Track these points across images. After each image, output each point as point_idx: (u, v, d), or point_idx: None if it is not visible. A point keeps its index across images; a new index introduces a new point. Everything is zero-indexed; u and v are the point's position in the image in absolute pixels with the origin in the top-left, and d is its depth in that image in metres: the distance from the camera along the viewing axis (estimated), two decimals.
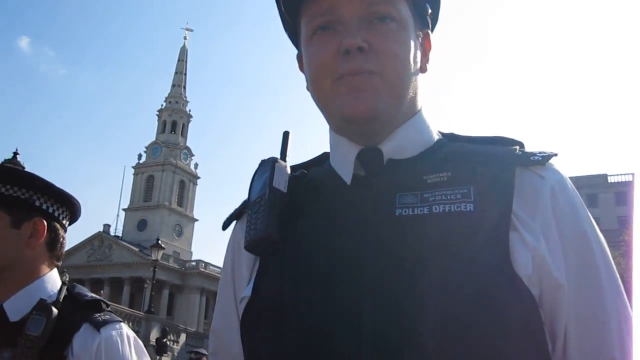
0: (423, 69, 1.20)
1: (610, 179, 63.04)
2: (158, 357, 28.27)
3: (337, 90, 1.10)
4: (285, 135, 1.23)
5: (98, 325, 1.85)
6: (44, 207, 1.98)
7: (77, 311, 1.87)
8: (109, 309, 1.96)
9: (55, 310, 1.81)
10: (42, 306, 1.82)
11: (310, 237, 1.11)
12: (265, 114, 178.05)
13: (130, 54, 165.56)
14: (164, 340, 29.29)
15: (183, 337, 37.83)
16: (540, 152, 1.12)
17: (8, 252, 1.90)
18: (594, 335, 1.04)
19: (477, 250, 1.00)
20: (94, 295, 2.00)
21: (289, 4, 1.18)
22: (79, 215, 2.14)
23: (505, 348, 0.96)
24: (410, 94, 1.15)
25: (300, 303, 1.05)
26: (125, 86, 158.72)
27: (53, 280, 1.97)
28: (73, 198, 2.08)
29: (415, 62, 1.15)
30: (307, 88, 1.21)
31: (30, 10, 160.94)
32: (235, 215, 1.28)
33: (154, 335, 32.23)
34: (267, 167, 1.17)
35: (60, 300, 1.87)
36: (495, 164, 1.10)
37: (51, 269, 1.99)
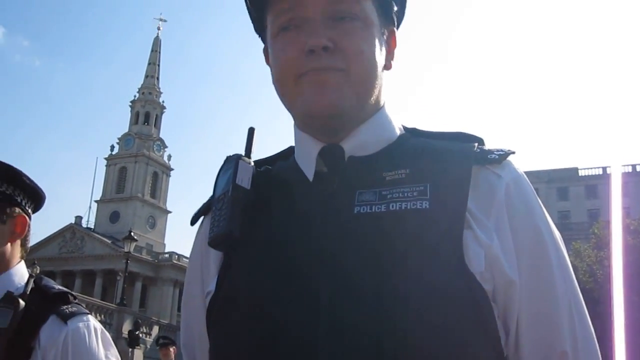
0: (388, 67, 1.21)
1: (581, 173, 63.90)
2: (130, 350, 28.14)
3: (301, 87, 1.12)
4: (251, 131, 1.24)
5: (65, 317, 1.84)
6: (22, 202, 1.98)
7: (44, 303, 1.87)
8: (77, 301, 1.95)
9: (22, 303, 1.81)
10: (9, 298, 1.82)
11: (272, 233, 1.12)
12: (240, 106, 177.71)
13: (104, 45, 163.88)
14: (137, 332, 29.10)
15: (156, 329, 37.69)
16: (497, 150, 1.14)
17: None
18: (546, 329, 1.06)
19: (432, 247, 1.02)
20: (61, 287, 2.00)
21: (255, 1, 1.20)
22: (41, 207, 2.14)
23: (459, 341, 0.98)
24: (376, 91, 1.16)
25: (256, 300, 1.07)
26: (99, 77, 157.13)
27: (21, 273, 1.97)
28: (42, 192, 2.08)
29: (379, 59, 1.16)
30: (273, 83, 1.22)
31: (4, 0, 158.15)
32: (203, 211, 1.29)
33: (126, 327, 32.04)
34: (231, 164, 1.18)
35: (28, 292, 1.87)
36: (453, 161, 1.11)
37: (19, 262, 1.99)
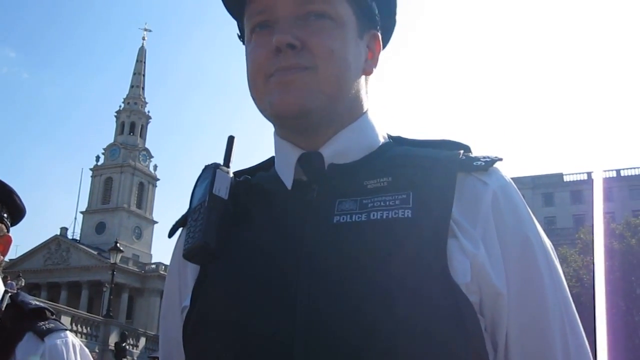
0: (367, 71, 1.18)
1: (566, 178, 64.22)
2: None
3: (270, 87, 1.09)
4: (230, 140, 1.19)
5: (42, 334, 1.80)
6: (7, 220, 1.94)
7: (20, 320, 1.83)
8: (54, 317, 1.91)
9: None
10: None
11: (248, 245, 1.09)
12: (226, 116, 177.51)
13: (91, 56, 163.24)
14: (123, 344, 28.85)
15: (143, 341, 37.36)
16: (484, 157, 1.11)
17: None
18: (536, 341, 1.03)
19: (414, 257, 0.98)
20: (38, 303, 1.95)
21: (231, 5, 1.18)
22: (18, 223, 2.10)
23: (442, 353, 0.94)
24: (350, 93, 1.13)
25: (230, 315, 1.03)
26: (86, 88, 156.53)
27: None
28: (25, 210, 2.04)
29: (354, 61, 1.12)
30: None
31: None
32: (181, 222, 1.24)
33: (112, 339, 31.72)
34: (209, 173, 1.13)
35: (3, 309, 1.82)
36: (437, 169, 1.08)
37: None
